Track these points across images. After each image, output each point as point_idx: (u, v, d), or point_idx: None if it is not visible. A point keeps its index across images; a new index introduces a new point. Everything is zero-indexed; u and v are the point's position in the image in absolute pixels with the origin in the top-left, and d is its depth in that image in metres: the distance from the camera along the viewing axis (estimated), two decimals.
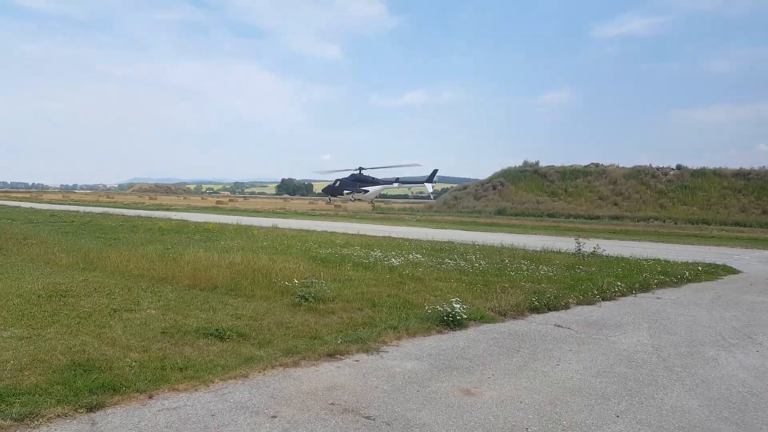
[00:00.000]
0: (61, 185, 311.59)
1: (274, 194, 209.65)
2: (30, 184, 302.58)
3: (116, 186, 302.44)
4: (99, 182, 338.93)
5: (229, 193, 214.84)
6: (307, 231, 25.35)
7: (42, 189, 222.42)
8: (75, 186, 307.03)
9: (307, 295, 8.75)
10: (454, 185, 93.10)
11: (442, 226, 36.29)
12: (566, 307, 9.81)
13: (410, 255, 15.55)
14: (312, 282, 9.65)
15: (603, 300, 10.72)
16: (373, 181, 34.27)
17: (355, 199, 34.71)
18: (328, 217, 43.63)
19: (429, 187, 41.20)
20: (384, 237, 22.66)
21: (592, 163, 67.98)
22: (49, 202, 62.12)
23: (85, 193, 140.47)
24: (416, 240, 21.70)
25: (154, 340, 6.40)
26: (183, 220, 30.74)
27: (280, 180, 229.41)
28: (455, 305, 8.01)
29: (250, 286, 9.75)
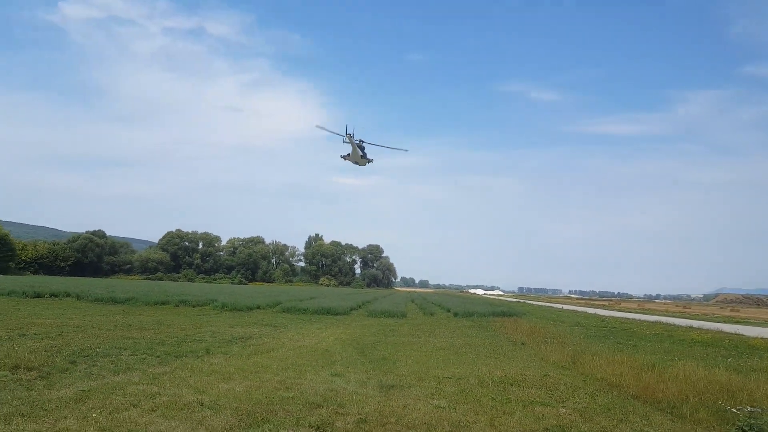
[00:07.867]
0: (645, 294, 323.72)
1: None
2: (615, 293, 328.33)
3: (701, 296, 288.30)
4: (683, 292, 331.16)
5: None
6: None
7: (624, 297, 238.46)
8: (657, 296, 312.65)
9: (746, 428, 6.82)
10: None
11: None
12: None
13: None
14: (760, 411, 7.34)
15: None
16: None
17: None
18: None
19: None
20: None
21: None
22: (619, 309, 66.26)
23: (663, 303, 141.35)
24: None
25: None
26: (736, 334, 26.90)
27: None
28: None
29: (693, 406, 8.33)
